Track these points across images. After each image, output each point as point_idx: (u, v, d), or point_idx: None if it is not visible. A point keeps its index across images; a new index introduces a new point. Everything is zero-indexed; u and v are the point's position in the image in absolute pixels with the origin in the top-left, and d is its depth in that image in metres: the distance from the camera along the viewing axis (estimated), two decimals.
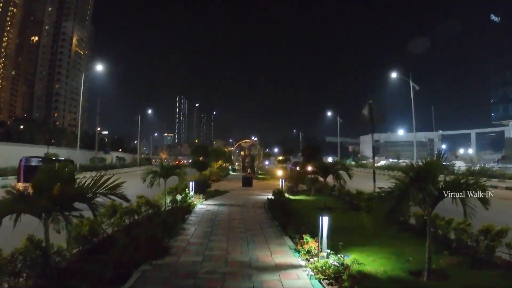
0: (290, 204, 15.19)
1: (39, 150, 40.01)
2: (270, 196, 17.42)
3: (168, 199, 14.75)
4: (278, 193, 16.92)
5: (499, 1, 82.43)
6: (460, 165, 44.95)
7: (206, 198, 16.68)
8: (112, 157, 59.86)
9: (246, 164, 24.62)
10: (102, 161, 49.87)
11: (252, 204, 15.60)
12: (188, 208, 12.92)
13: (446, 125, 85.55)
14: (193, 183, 16.01)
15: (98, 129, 61.73)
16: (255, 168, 27.85)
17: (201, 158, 26.69)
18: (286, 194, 18.25)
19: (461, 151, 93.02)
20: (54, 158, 25.11)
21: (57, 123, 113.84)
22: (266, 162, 60.55)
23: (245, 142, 34.46)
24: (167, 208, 13.17)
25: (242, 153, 35.10)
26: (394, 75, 46.59)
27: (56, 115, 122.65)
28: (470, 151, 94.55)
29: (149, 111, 71.28)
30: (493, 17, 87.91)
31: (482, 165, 46.43)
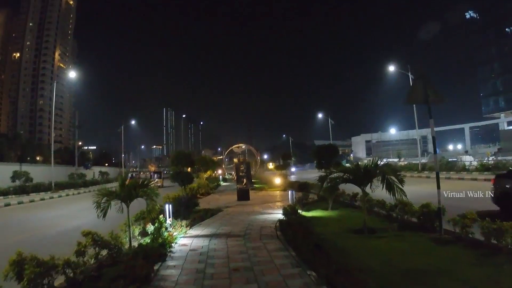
0: (310, 225, 10.40)
1: (7, 168, 34.58)
2: (279, 215, 12.83)
3: (137, 230, 9.83)
4: (290, 211, 12.00)
5: None
6: (469, 160, 41.01)
7: (192, 225, 11.53)
8: (94, 172, 54.28)
9: (241, 174, 19.49)
10: (82, 177, 44.46)
11: (258, 230, 10.53)
12: (160, 250, 7.85)
13: (438, 120, 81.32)
14: (170, 206, 10.86)
15: (80, 143, 56.31)
16: (251, 177, 22.51)
17: (188, 168, 21.76)
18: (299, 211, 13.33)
19: (450, 147, 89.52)
20: None
21: (44, 139, 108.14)
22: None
23: (238, 147, 27.12)
24: (133, 246, 8.30)
25: (235, 160, 28.28)
26: (391, 68, 42.53)
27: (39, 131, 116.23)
28: (459, 146, 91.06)
29: (133, 122, 65.66)
30: (469, 15, 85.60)
31: (487, 159, 42.38)
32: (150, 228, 9.21)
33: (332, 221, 11.83)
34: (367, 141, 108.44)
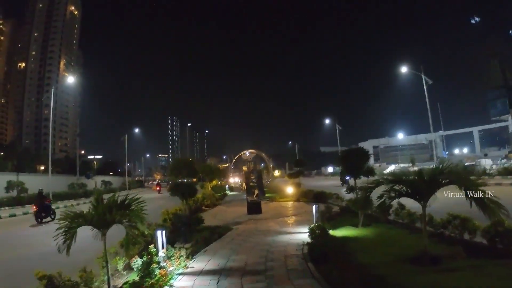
0: (351, 252, 7.76)
1: (1, 178, 31.98)
2: (302, 235, 10.43)
3: (121, 263, 7.21)
4: (318, 232, 9.26)
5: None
6: (489, 163, 38.07)
7: (195, 252, 8.83)
8: (95, 182, 51.54)
9: (251, 183, 16.72)
10: (83, 187, 41.88)
11: (282, 261, 7.75)
12: None
13: (445, 125, 78.38)
14: (163, 233, 7.81)
15: (83, 152, 53.87)
16: (264, 188, 19.01)
17: (193, 178, 19.15)
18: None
19: (456, 151, 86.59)
20: None
21: (49, 149, 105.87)
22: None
23: (247, 153, 23.83)
24: None
25: (245, 168, 25.60)
26: (403, 70, 39.79)
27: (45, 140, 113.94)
28: (465, 150, 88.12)
29: (136, 131, 63.14)
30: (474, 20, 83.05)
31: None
32: (137, 263, 6.56)
33: (372, 244, 9.11)
34: (375, 147, 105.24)
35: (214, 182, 25.55)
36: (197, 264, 7.79)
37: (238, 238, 10.75)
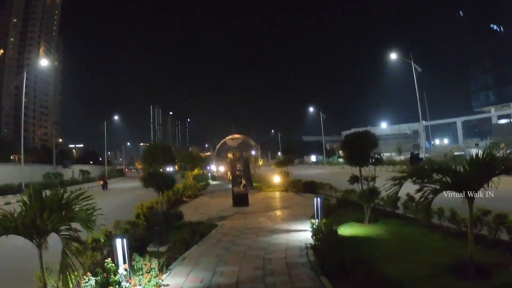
0: (366, 255, 6.04)
1: None
2: (301, 233, 8.90)
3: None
4: (326, 230, 7.39)
5: None
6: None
7: (171, 259, 6.82)
8: (73, 171, 48.65)
9: (238, 172, 14.59)
10: (59, 177, 39.18)
11: (285, 274, 5.84)
12: None
13: (429, 114, 77.67)
14: (124, 242, 5.35)
15: (60, 140, 50.93)
16: (251, 177, 16.54)
17: (174, 166, 17.16)
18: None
19: (437, 141, 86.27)
20: None
21: (28, 138, 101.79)
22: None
23: (233, 138, 20.51)
24: None
25: (230, 155, 22.16)
26: (393, 56, 38.29)
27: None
28: (446, 141, 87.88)
29: (116, 118, 60.16)
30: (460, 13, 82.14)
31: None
32: (89, 283, 4.62)
33: (392, 247, 7.32)
34: None
35: (196, 171, 23.40)
36: (173, 279, 5.80)
37: (225, 240, 8.79)
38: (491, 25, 72.71)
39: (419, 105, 36.78)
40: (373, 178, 9.95)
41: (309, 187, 19.38)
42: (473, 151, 37.12)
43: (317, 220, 8.77)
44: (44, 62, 33.44)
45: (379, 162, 10.12)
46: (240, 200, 14.87)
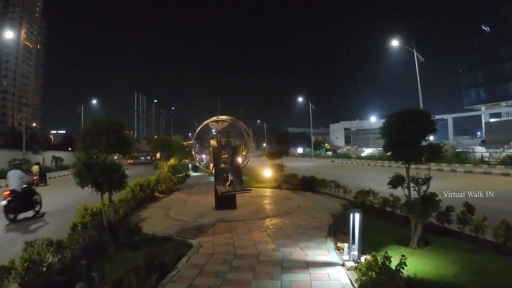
0: None
1: None
2: (326, 271, 5.06)
3: None
4: (385, 278, 3.77)
5: None
6: (481, 151, 34.17)
7: None
8: (44, 157, 44.02)
9: (223, 165, 10.60)
10: (27, 163, 34.84)
11: None
12: None
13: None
14: None
15: (34, 124, 46.37)
16: (241, 172, 12.39)
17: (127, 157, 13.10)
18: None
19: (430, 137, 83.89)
20: None
21: (8, 122, 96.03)
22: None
23: (218, 120, 15.13)
24: None
25: (213, 142, 13.70)
26: (395, 43, 35.00)
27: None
28: (431, 137, 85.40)
29: (95, 102, 55.42)
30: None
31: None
32: None
33: None
34: (346, 129, 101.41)
35: (172, 161, 19.37)
36: None
37: (201, 286, 4.98)
38: (480, 21, 69.98)
39: (420, 98, 33.52)
40: (427, 180, 6.33)
41: (308, 184, 15.77)
42: (478, 149, 34.38)
43: (353, 247, 5.16)
44: (9, 35, 29.02)
45: (437, 154, 6.48)
46: (225, 202, 11.01)
